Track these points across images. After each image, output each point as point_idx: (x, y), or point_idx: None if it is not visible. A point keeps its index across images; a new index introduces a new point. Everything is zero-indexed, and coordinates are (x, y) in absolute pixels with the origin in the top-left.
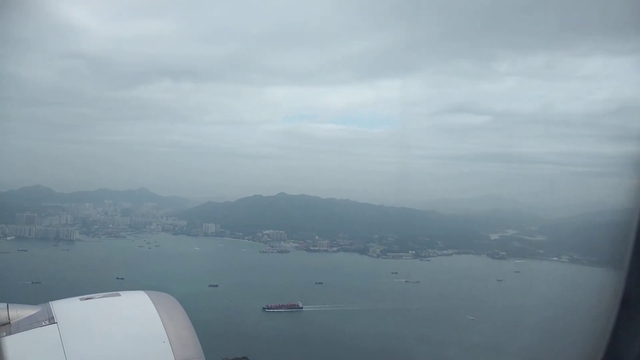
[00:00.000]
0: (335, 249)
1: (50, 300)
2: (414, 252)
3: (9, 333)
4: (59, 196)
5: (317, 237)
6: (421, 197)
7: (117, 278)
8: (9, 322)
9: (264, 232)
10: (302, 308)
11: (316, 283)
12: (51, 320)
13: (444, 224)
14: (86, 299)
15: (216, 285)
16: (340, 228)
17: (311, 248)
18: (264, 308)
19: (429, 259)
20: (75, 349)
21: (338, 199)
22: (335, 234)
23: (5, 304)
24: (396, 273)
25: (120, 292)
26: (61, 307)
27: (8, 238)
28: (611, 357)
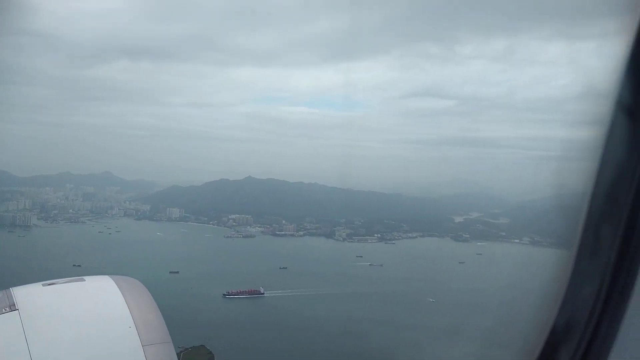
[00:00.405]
0: (301, 233)
1: (10, 287)
2: (379, 235)
3: None
4: (18, 180)
5: (284, 222)
6: (389, 180)
7: (74, 265)
8: None
9: (229, 216)
10: (263, 294)
11: (280, 268)
12: (12, 307)
13: (410, 207)
14: (49, 284)
15: (177, 272)
16: (307, 212)
17: (277, 232)
18: (224, 294)
19: (393, 242)
20: (38, 336)
21: (306, 183)
22: (302, 218)
23: None
24: (361, 257)
25: (84, 277)
26: (23, 293)
27: None
28: (558, 330)
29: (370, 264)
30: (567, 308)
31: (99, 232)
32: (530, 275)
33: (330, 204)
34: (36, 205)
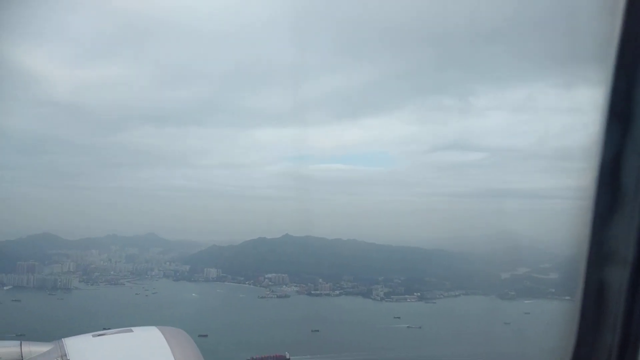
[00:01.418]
0: (337, 292)
1: (63, 337)
2: (419, 294)
3: None
4: (65, 243)
5: (320, 281)
6: (429, 235)
7: (104, 329)
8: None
9: (265, 276)
10: (289, 359)
11: (312, 331)
12: (64, 357)
13: (452, 264)
14: (98, 335)
15: (206, 335)
16: (345, 270)
17: (312, 292)
18: None
19: (434, 301)
20: None
21: (345, 240)
22: (339, 276)
23: (19, 341)
24: (399, 318)
25: (132, 328)
26: (74, 344)
27: (5, 288)
28: None
29: (408, 326)
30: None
31: (136, 294)
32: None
33: (369, 261)
34: (79, 268)
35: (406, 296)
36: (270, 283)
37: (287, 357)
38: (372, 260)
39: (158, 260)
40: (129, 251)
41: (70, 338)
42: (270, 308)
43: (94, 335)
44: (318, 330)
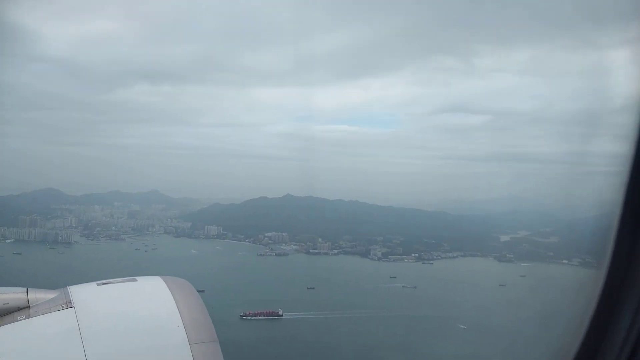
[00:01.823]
0: (335, 251)
1: (68, 285)
2: (417, 255)
3: (28, 316)
4: (68, 198)
5: (319, 240)
6: (432, 197)
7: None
8: (28, 306)
9: (265, 234)
10: (282, 316)
11: (308, 288)
12: (69, 304)
13: (452, 226)
14: (103, 284)
15: (202, 291)
16: (345, 230)
17: (311, 251)
18: (241, 316)
19: (431, 262)
20: (92, 332)
21: (346, 201)
22: (339, 236)
23: (25, 288)
24: (394, 277)
25: (136, 278)
26: (78, 292)
27: (7, 241)
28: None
29: (403, 286)
30: (595, 333)
31: (136, 249)
32: (575, 298)
33: (369, 222)
34: (81, 223)
35: (404, 257)
36: (269, 241)
37: (280, 313)
38: (373, 221)
39: (160, 217)
40: (131, 208)
41: (75, 286)
42: (268, 265)
43: (98, 284)
44: (313, 288)
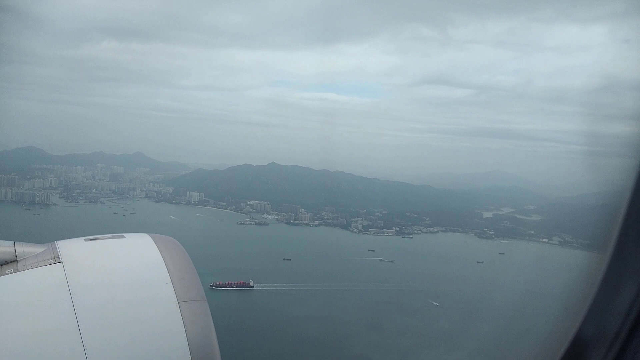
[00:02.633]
0: (317, 222)
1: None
2: (397, 228)
3: (16, 270)
4: (51, 158)
5: (302, 210)
6: (418, 171)
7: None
8: (16, 260)
9: (247, 202)
10: (252, 287)
11: (284, 259)
12: (57, 259)
13: (436, 200)
14: (91, 239)
15: None
16: (328, 201)
17: (292, 221)
18: (211, 285)
19: (411, 236)
20: (80, 287)
21: (331, 171)
22: (321, 207)
23: (12, 242)
24: (373, 251)
25: (124, 234)
26: (66, 247)
27: None
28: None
29: (380, 260)
30: (595, 315)
31: (114, 213)
32: (552, 278)
33: (353, 193)
34: (61, 184)
35: (384, 230)
36: (251, 210)
37: (251, 284)
38: (357, 193)
39: (142, 181)
40: (114, 170)
41: (62, 241)
42: (247, 235)
43: (85, 239)
44: (290, 259)
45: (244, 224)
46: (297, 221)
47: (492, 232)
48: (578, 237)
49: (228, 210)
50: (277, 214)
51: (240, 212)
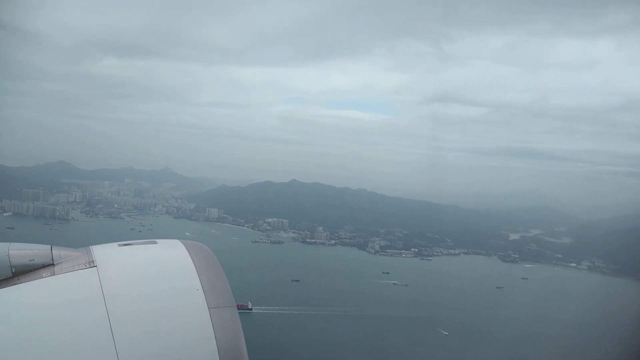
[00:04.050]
0: (333, 242)
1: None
2: (417, 250)
3: (53, 274)
4: (80, 173)
5: (320, 229)
6: (445, 190)
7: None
8: (53, 264)
9: (265, 220)
10: (250, 310)
11: (292, 280)
12: (91, 263)
13: (462, 221)
14: (125, 244)
15: None
16: (348, 219)
17: (308, 240)
18: None
19: (430, 258)
20: (114, 292)
21: (354, 189)
22: (340, 225)
23: (49, 246)
24: (387, 273)
25: (156, 240)
26: (101, 252)
27: (5, 214)
28: None
29: (394, 283)
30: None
31: (131, 229)
32: (577, 306)
33: (374, 212)
34: (84, 199)
35: (402, 251)
36: (268, 227)
37: (249, 307)
38: (378, 212)
39: (166, 196)
40: (141, 185)
41: (97, 246)
42: (259, 253)
43: (119, 245)
44: (298, 281)
45: (258, 241)
46: (313, 240)
47: (516, 255)
48: (609, 262)
49: (245, 228)
50: (294, 232)
51: (258, 230)
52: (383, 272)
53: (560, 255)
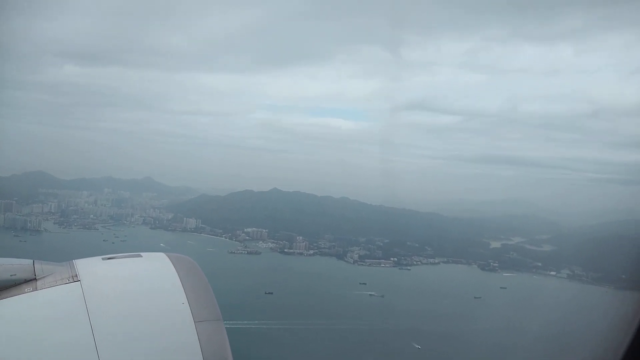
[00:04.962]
0: (311, 252)
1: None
2: (396, 259)
3: (35, 289)
4: (59, 182)
5: (299, 238)
6: (427, 198)
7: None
8: (35, 278)
9: (244, 230)
10: None
11: (265, 293)
12: (75, 277)
13: (443, 229)
14: (109, 258)
15: None
16: (328, 229)
17: (286, 250)
18: None
19: (409, 267)
20: (98, 306)
21: (336, 198)
22: (320, 235)
23: (31, 260)
24: (364, 284)
25: (141, 253)
26: (84, 266)
27: None
28: None
29: (370, 294)
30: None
31: (104, 240)
32: (555, 317)
33: (355, 221)
34: (59, 209)
35: (381, 261)
36: (247, 238)
37: None
38: (360, 220)
39: (144, 206)
40: (121, 195)
41: (80, 260)
42: (235, 265)
43: (103, 258)
44: (272, 293)
45: (234, 252)
46: (292, 250)
47: (496, 264)
48: (589, 270)
49: (223, 238)
50: (272, 242)
51: (235, 240)
52: (360, 283)
53: (540, 264)
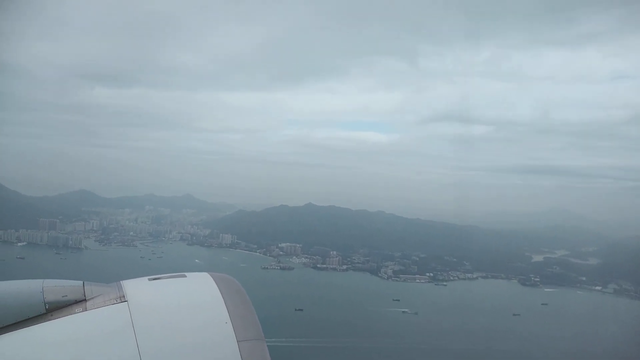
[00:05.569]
0: (345, 267)
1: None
2: (432, 274)
3: (85, 309)
4: (102, 201)
5: (332, 253)
6: (466, 210)
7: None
8: (85, 299)
9: (278, 245)
10: None
11: (296, 309)
12: (122, 298)
13: (482, 242)
14: (154, 279)
15: None
16: (363, 243)
17: (319, 265)
18: None
19: (445, 283)
20: (144, 326)
21: (371, 211)
22: (355, 249)
23: (82, 282)
24: (398, 300)
25: (185, 273)
26: (131, 286)
27: (19, 244)
28: None
29: (403, 311)
30: None
31: (141, 257)
32: (602, 335)
33: (391, 235)
34: (101, 227)
35: (417, 276)
36: (280, 253)
37: None
38: (396, 235)
39: (182, 222)
40: (161, 212)
41: (127, 280)
42: (267, 280)
43: (149, 279)
44: (302, 310)
45: (267, 268)
46: (325, 265)
47: (537, 279)
48: (638, 285)
49: (257, 254)
50: (306, 257)
51: (269, 255)
52: (393, 300)
53: (584, 278)
